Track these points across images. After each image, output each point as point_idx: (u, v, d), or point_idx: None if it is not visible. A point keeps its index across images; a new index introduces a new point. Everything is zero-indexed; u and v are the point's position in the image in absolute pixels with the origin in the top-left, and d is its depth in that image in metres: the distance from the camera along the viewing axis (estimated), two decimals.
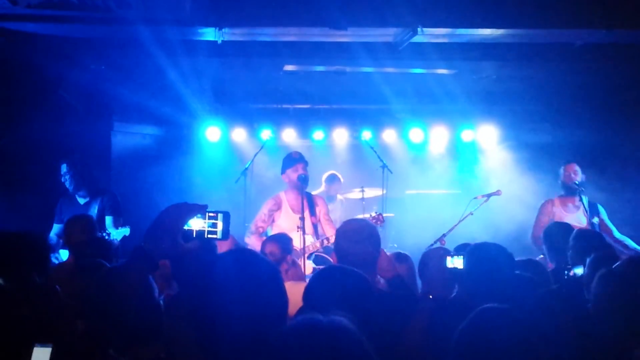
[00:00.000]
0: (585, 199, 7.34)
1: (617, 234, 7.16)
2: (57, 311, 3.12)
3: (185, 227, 2.30)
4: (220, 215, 2.35)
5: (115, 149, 8.80)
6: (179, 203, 2.32)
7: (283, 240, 5.62)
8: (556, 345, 2.80)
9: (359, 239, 3.91)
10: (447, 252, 4.25)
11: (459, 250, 4.22)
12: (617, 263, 3.51)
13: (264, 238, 6.68)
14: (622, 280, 3.21)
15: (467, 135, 10.08)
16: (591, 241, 5.24)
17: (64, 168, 7.01)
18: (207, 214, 2.33)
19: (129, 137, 9.18)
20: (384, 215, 8.27)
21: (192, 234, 2.32)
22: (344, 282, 3.06)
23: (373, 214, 7.23)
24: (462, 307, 3.43)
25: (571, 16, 6.49)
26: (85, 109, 8.06)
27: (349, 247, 3.91)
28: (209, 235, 2.34)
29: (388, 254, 4.31)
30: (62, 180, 7.02)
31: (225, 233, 2.35)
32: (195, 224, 2.33)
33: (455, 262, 3.95)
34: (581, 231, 5.68)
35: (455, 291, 4.01)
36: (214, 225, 2.34)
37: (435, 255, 4.59)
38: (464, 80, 8.84)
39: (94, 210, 6.99)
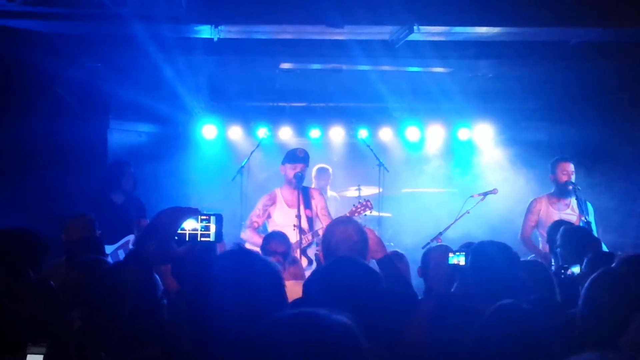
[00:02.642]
0: (574, 199, 7.28)
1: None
2: (52, 307, 3.12)
3: (178, 231, 2.29)
4: (212, 218, 2.34)
5: (112, 146, 8.77)
6: (170, 207, 2.31)
7: (283, 237, 5.67)
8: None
9: (345, 244, 3.88)
10: (449, 249, 4.30)
11: (463, 248, 4.24)
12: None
13: (262, 235, 6.71)
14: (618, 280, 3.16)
15: (463, 133, 10.07)
16: (582, 238, 5.24)
17: (131, 169, 7.23)
18: (199, 216, 2.33)
19: (125, 134, 9.16)
20: (380, 214, 8.27)
21: (185, 237, 2.31)
22: (352, 278, 3.03)
23: (362, 202, 7.16)
24: (463, 305, 3.43)
25: (566, 14, 6.50)
26: (82, 107, 8.04)
27: (336, 250, 3.88)
28: (202, 238, 2.33)
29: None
30: (122, 181, 7.24)
31: (219, 235, 2.35)
32: (188, 226, 2.32)
33: (458, 259, 4.00)
34: (571, 228, 5.65)
35: (455, 286, 4.03)
36: (207, 227, 2.33)
37: (437, 252, 4.66)
38: (460, 79, 8.85)
39: (132, 212, 7.17)
